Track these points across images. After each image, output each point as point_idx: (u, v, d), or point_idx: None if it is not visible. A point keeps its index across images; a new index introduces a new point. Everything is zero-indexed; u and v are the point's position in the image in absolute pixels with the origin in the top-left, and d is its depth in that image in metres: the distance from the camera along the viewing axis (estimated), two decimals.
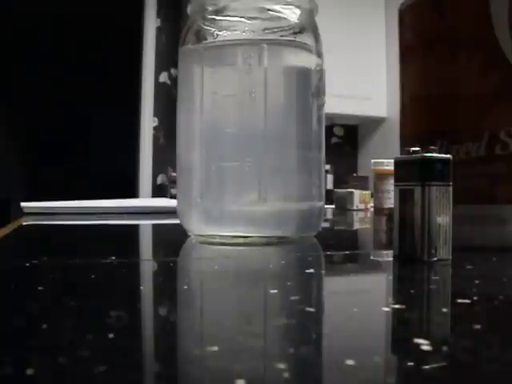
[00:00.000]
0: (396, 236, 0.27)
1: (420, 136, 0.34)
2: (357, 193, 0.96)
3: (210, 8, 0.36)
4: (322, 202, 0.37)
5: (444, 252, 0.26)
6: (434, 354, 0.12)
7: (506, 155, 0.31)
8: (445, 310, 0.16)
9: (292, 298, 0.19)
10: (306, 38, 0.36)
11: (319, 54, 0.37)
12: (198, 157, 0.35)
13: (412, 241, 0.26)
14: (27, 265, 0.25)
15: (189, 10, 0.37)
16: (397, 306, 0.17)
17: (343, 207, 0.95)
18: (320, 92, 0.37)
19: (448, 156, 0.26)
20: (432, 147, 0.26)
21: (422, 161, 0.26)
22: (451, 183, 0.26)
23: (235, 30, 0.36)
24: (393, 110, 2.64)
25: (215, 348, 0.12)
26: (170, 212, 0.62)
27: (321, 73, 0.37)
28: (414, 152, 0.26)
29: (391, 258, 0.28)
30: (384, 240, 0.44)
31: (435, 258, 0.25)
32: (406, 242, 0.26)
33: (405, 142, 0.36)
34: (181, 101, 0.38)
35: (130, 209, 0.74)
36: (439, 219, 0.26)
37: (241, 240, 0.34)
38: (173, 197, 1.58)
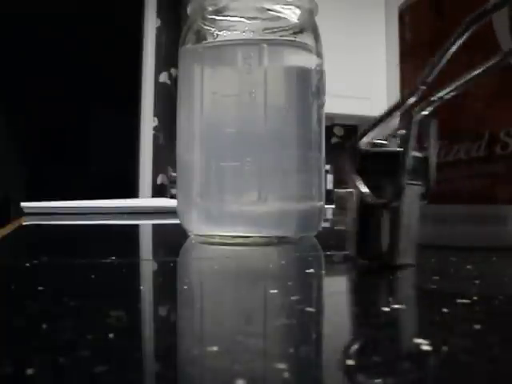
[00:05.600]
0: (355, 234, 0.25)
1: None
2: None
3: (210, 8, 0.36)
4: (322, 202, 0.37)
5: (409, 256, 0.24)
6: (434, 354, 0.12)
7: (506, 155, 0.31)
8: (445, 310, 0.16)
9: (292, 298, 0.19)
10: (306, 38, 0.36)
11: (319, 54, 0.37)
12: (198, 157, 0.35)
13: (375, 241, 0.24)
14: (27, 265, 0.25)
15: (189, 10, 0.37)
16: (397, 306, 0.17)
17: (343, 207, 0.95)
18: (320, 92, 0.37)
19: (423, 154, 0.24)
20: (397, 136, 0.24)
21: (394, 156, 0.24)
22: (423, 183, 0.24)
23: (235, 30, 0.36)
24: None
25: (215, 348, 0.12)
26: (170, 212, 0.62)
27: (321, 73, 0.37)
28: (381, 145, 0.24)
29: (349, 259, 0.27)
30: None
31: (399, 262, 0.24)
32: (367, 242, 0.24)
33: None
34: (181, 101, 0.38)
35: (130, 209, 0.74)
36: (407, 221, 0.24)
37: (241, 240, 0.34)
38: (173, 197, 1.58)
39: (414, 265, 0.24)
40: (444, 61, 0.25)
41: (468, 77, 0.25)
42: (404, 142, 0.23)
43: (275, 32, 0.36)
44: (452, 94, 0.25)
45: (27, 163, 3.73)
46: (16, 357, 0.11)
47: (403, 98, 0.24)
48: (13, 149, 3.63)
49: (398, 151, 0.23)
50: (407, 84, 0.36)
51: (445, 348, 0.12)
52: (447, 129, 0.32)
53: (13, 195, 3.16)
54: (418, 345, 0.12)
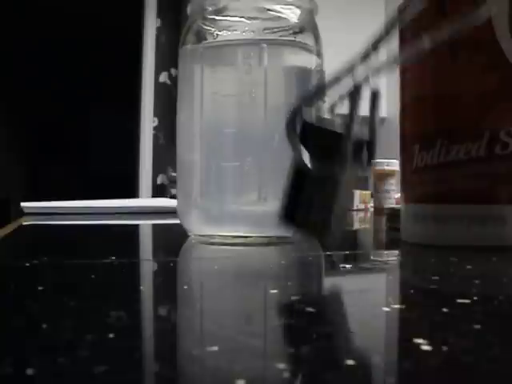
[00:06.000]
0: (287, 201, 0.24)
1: (420, 135, 0.34)
2: (357, 193, 0.95)
3: (210, 8, 0.36)
4: None
5: (337, 231, 0.24)
6: (434, 354, 0.12)
7: (506, 155, 0.31)
8: (445, 310, 0.16)
9: (292, 298, 0.19)
10: (306, 38, 0.36)
11: (319, 54, 0.37)
12: (198, 157, 0.35)
13: (307, 212, 0.23)
14: (27, 265, 0.25)
15: (189, 10, 0.37)
16: (397, 306, 0.17)
17: None
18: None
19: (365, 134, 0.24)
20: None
21: (337, 134, 0.23)
22: (363, 162, 0.24)
23: (235, 30, 0.36)
24: (393, 110, 2.64)
25: (215, 348, 0.12)
26: (170, 212, 0.62)
27: (321, 73, 0.37)
28: (327, 120, 0.24)
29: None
30: (384, 240, 0.44)
31: (328, 236, 0.23)
32: (299, 211, 0.24)
33: (405, 141, 0.36)
34: (181, 101, 0.38)
35: (130, 209, 0.74)
36: (343, 196, 0.23)
37: (241, 240, 0.34)
38: (173, 197, 1.58)
39: (340, 239, 0.24)
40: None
41: (420, 45, 0.24)
42: (349, 117, 0.23)
43: (275, 32, 0.36)
44: (401, 62, 0.24)
45: (27, 163, 3.73)
46: (16, 357, 0.11)
47: (351, 66, 0.24)
48: (13, 149, 3.63)
49: (341, 132, 0.23)
50: (407, 84, 0.36)
51: (445, 348, 0.12)
52: (447, 129, 0.32)
53: (13, 195, 3.16)
54: (418, 345, 0.12)
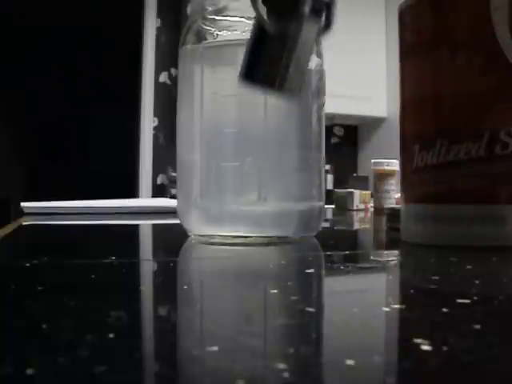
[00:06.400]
0: (247, 58, 0.26)
1: (420, 135, 0.34)
2: (357, 193, 0.96)
3: (210, 8, 0.36)
4: (321, 202, 0.37)
5: (296, 84, 0.26)
6: (434, 354, 0.12)
7: (506, 155, 0.31)
8: (445, 310, 0.16)
9: (292, 297, 0.19)
10: None
11: (319, 54, 0.37)
12: (198, 157, 0.35)
13: (267, 66, 0.25)
14: (27, 265, 0.25)
15: (189, 10, 0.37)
16: (397, 306, 0.17)
17: (343, 207, 0.95)
18: (320, 92, 0.37)
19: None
20: None
21: None
22: (323, 20, 0.26)
23: (235, 30, 0.36)
24: (393, 110, 2.64)
25: (215, 348, 0.12)
26: (170, 212, 0.62)
27: (321, 73, 0.37)
28: None
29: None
30: (384, 240, 0.44)
31: (286, 88, 0.25)
32: (259, 66, 0.25)
33: (405, 141, 0.36)
34: (181, 101, 0.38)
35: (130, 209, 0.74)
36: (301, 52, 0.25)
37: (241, 240, 0.34)
38: (173, 197, 1.58)
39: (298, 92, 0.26)
40: None
41: None
42: None
43: None
44: None
45: (27, 163, 3.74)
46: (16, 357, 0.11)
47: None
48: (13, 149, 3.63)
49: None
50: (407, 84, 0.36)
51: (445, 348, 0.12)
52: (447, 129, 0.32)
53: (13, 195, 3.16)
54: (418, 345, 0.12)
